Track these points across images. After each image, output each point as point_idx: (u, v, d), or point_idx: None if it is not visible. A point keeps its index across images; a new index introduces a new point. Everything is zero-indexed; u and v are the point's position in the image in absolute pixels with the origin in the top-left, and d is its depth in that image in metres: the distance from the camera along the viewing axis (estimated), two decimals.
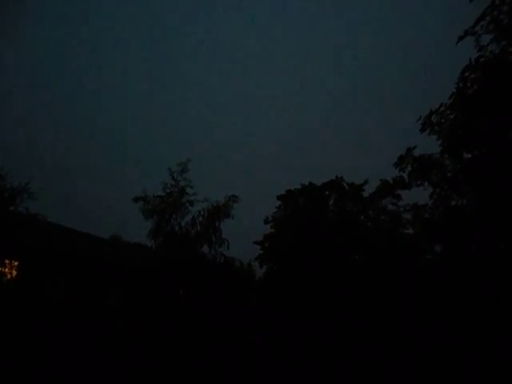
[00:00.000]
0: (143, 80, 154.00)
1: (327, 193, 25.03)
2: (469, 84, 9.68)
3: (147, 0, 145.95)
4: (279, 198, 26.05)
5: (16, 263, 14.76)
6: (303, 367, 11.87)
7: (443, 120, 10.59)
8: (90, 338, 12.77)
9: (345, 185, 24.82)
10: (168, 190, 17.16)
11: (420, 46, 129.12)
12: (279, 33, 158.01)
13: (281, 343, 15.55)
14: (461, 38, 9.39)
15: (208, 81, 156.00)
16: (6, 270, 14.52)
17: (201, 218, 17.26)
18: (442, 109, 10.48)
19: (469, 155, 10.84)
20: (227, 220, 17.57)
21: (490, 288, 11.61)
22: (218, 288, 17.21)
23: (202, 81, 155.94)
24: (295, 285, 20.91)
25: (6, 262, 14.58)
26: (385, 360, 12.31)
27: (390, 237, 22.53)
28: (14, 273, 14.73)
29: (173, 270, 16.12)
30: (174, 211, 17.21)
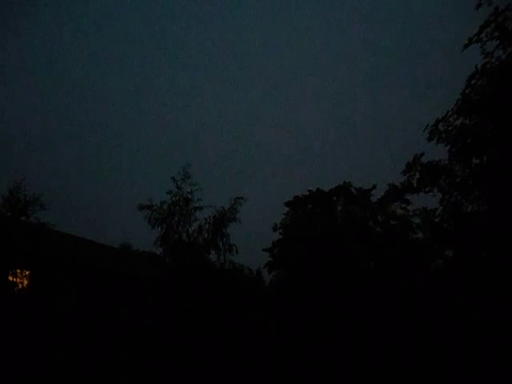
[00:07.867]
0: (147, 86, 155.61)
1: (335, 198, 24.87)
2: (475, 91, 9.58)
3: (148, 3, 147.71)
4: (287, 204, 25.98)
5: (27, 272, 14.97)
6: None
7: (450, 127, 10.46)
8: (101, 348, 12.83)
9: (353, 190, 24.64)
10: (174, 198, 17.18)
11: (432, 44, 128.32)
12: (283, 33, 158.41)
13: (291, 359, 15.22)
14: (466, 46, 9.32)
15: (211, 84, 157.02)
16: (18, 279, 14.76)
17: (207, 226, 17.24)
18: (449, 114, 10.38)
19: (477, 161, 10.68)
20: (235, 224, 17.49)
21: (503, 294, 11.35)
22: (226, 297, 17.13)
23: (206, 84, 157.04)
24: (304, 292, 20.72)
25: (18, 271, 14.83)
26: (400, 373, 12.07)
27: (400, 242, 22.23)
28: (26, 282, 14.94)
29: (182, 279, 16.12)
30: (180, 219, 17.19)
